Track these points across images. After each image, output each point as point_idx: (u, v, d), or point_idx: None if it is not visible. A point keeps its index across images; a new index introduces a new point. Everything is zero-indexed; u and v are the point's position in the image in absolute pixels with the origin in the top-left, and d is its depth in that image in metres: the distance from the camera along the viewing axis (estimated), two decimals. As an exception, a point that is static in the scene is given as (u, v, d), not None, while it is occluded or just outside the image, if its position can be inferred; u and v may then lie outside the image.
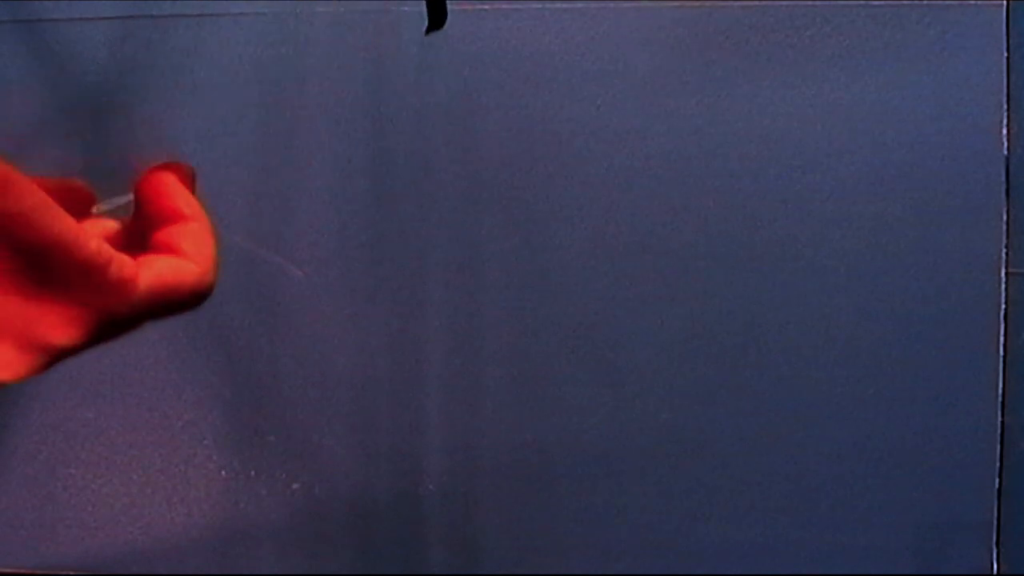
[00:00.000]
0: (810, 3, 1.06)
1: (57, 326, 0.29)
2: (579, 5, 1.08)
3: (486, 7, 1.09)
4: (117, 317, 0.30)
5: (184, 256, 0.33)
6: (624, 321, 1.07)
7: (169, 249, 0.33)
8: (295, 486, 1.12)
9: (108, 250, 0.29)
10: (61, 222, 0.28)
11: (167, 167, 0.35)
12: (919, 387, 1.04)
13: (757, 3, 1.06)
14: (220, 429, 1.13)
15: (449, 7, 1.12)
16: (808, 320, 1.05)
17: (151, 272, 0.31)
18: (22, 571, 1.15)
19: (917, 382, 1.04)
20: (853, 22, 1.05)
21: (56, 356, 0.30)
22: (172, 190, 0.34)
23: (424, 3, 0.60)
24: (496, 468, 1.09)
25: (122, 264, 0.29)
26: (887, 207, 1.04)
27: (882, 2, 1.05)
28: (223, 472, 1.13)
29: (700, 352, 1.06)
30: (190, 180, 0.35)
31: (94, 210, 0.37)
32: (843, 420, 1.05)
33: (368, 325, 1.11)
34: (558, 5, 1.08)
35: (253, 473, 1.12)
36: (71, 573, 1.14)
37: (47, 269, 0.28)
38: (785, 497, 1.06)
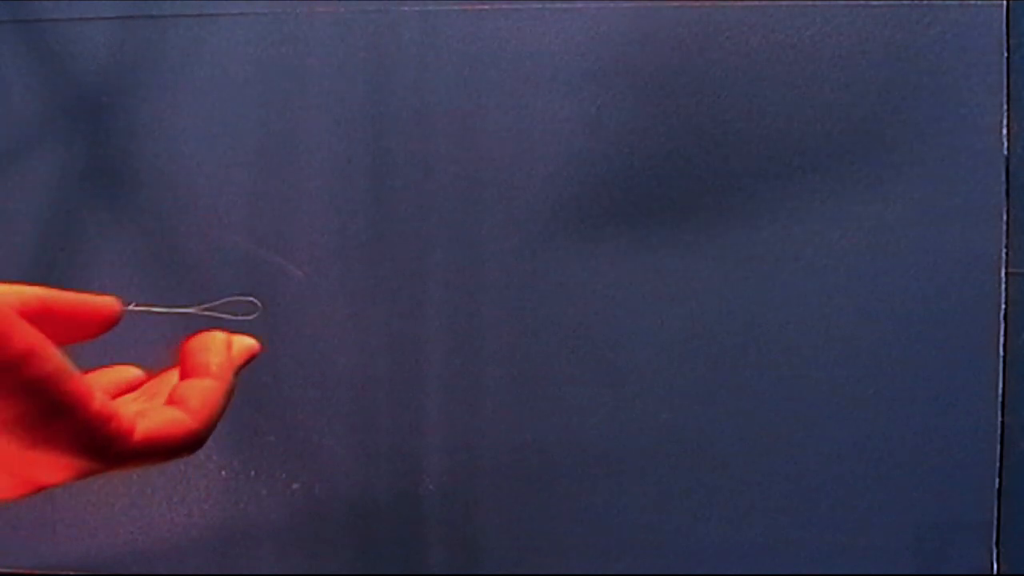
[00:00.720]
0: (810, 3, 1.06)
1: (50, 471, 0.31)
2: (579, 5, 1.08)
3: (486, 7, 1.09)
4: (107, 466, 0.32)
5: (186, 410, 0.35)
6: (624, 321, 1.07)
7: (177, 401, 0.35)
8: (295, 486, 1.12)
9: (110, 408, 0.31)
10: (77, 385, 0.30)
11: (227, 336, 0.39)
12: (919, 387, 1.04)
13: (757, 3, 1.06)
14: (220, 429, 1.13)
15: (449, 7, 1.12)
16: (808, 320, 1.05)
17: (147, 424, 0.33)
18: (22, 571, 1.15)
19: (917, 382, 1.04)
20: (853, 22, 1.05)
21: (43, 489, 0.33)
22: (214, 347, 0.38)
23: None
24: (496, 468, 1.09)
25: (120, 420, 0.32)
26: (887, 207, 1.04)
27: (882, 2, 1.05)
28: (223, 472, 1.13)
29: (700, 352, 1.07)
30: (249, 357, 0.39)
31: (130, 306, 0.39)
32: (843, 420, 1.05)
33: (368, 325, 1.11)
34: (558, 5, 1.09)
35: (253, 473, 1.13)
36: (71, 573, 1.14)
37: (54, 422, 0.30)
38: (785, 497, 1.06)
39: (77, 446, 0.31)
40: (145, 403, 0.37)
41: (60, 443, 0.30)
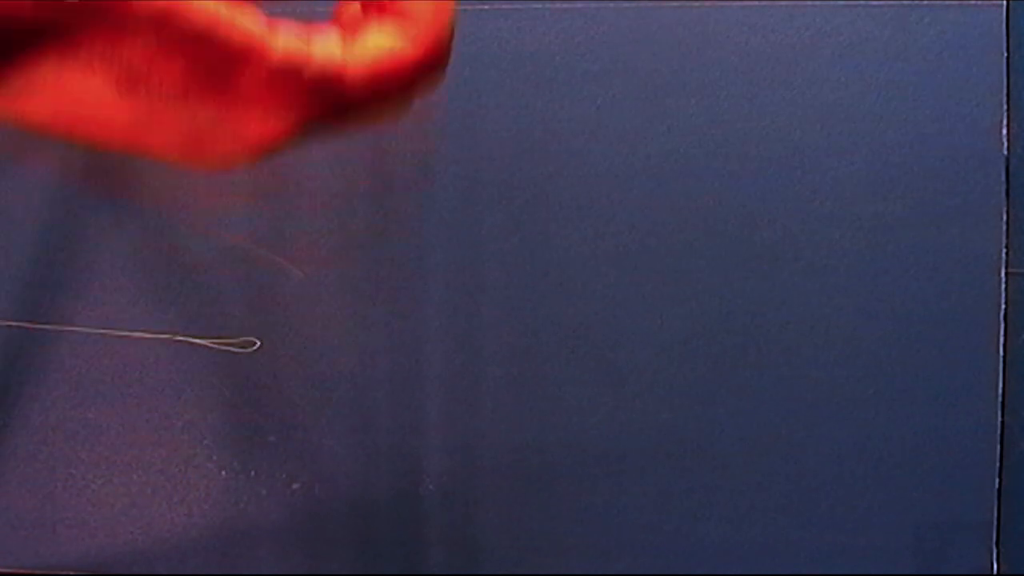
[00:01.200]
0: (810, 3, 1.06)
1: (255, 127, 0.26)
2: (579, 5, 1.08)
3: (486, 7, 1.09)
4: (326, 111, 0.27)
5: (411, 21, 0.28)
6: (624, 321, 1.07)
7: (397, 13, 0.28)
8: (295, 486, 1.12)
9: (297, 46, 0.26)
10: (242, 30, 0.25)
11: None
12: (919, 387, 1.04)
13: (757, 3, 1.06)
14: (220, 429, 1.13)
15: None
16: (808, 320, 1.05)
17: (362, 52, 0.27)
18: (22, 571, 1.15)
19: (917, 382, 1.04)
20: (853, 22, 1.05)
21: (270, 147, 0.27)
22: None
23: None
24: (496, 468, 1.09)
25: (316, 61, 0.26)
26: (887, 207, 1.04)
27: (882, 2, 1.05)
28: (223, 472, 1.13)
29: (700, 352, 1.06)
30: None
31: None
32: (843, 420, 1.05)
33: (368, 325, 1.11)
34: (558, 5, 1.08)
35: (253, 473, 1.12)
36: (71, 573, 1.14)
37: (232, 80, 0.25)
38: (785, 497, 1.06)
39: (276, 102, 0.26)
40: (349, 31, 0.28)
41: (247, 90, 0.25)
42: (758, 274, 1.06)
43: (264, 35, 0.26)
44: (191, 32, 0.25)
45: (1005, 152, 1.03)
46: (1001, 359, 1.02)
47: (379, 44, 0.27)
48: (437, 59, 0.28)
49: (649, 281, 1.07)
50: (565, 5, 1.08)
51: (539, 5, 1.09)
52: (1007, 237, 1.03)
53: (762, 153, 1.06)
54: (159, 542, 1.14)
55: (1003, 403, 1.03)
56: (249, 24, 0.26)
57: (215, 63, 0.25)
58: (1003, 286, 1.03)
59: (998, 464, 1.03)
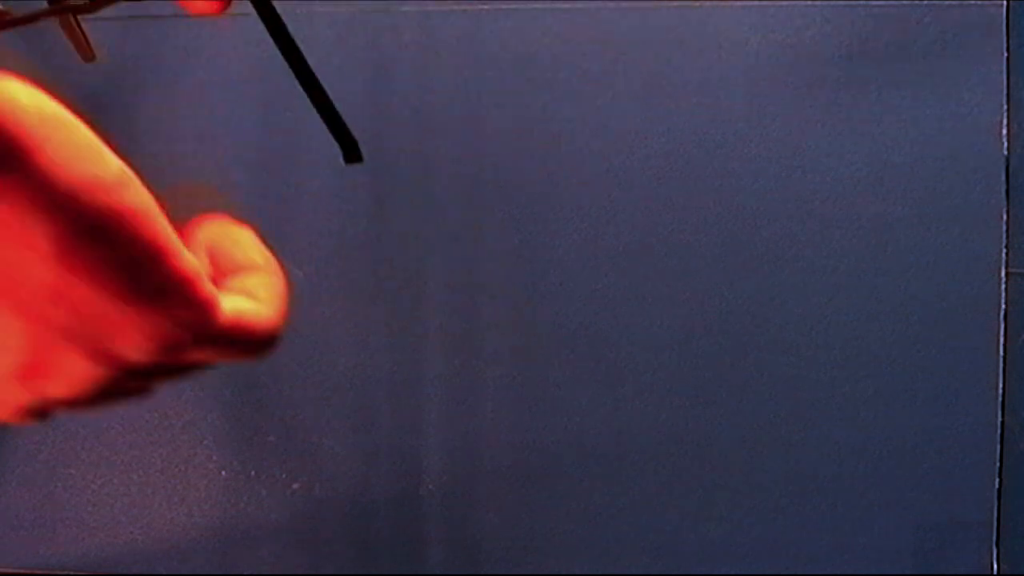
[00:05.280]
0: (810, 3, 1.06)
1: (135, 338, 0.27)
2: (579, 5, 1.08)
3: (486, 7, 1.09)
4: (195, 341, 0.29)
5: (261, 303, 0.32)
6: (624, 321, 1.07)
7: (246, 293, 0.32)
8: (295, 486, 1.12)
9: (198, 271, 0.28)
10: (166, 229, 0.27)
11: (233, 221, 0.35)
12: (919, 387, 1.04)
13: (757, 3, 1.06)
14: (220, 429, 1.13)
15: (449, 7, 1.12)
16: (808, 320, 1.05)
17: (233, 304, 0.30)
18: (22, 571, 1.15)
19: (917, 382, 1.04)
20: (853, 22, 1.05)
21: (119, 375, 0.29)
22: (248, 240, 0.34)
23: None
24: (496, 468, 1.09)
25: (206, 287, 0.28)
26: (887, 207, 1.04)
27: (882, 2, 1.05)
28: (223, 472, 1.13)
29: (700, 352, 1.06)
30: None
31: None
32: (843, 420, 1.05)
33: (368, 325, 1.11)
34: (558, 5, 1.09)
35: (253, 473, 1.12)
36: (71, 573, 1.14)
37: (143, 275, 0.27)
38: (785, 497, 1.06)
39: (167, 306, 0.27)
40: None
41: (148, 301, 0.26)
42: (758, 274, 1.06)
43: (180, 244, 0.28)
44: (135, 206, 0.26)
45: (1005, 152, 1.03)
46: (1001, 359, 1.02)
47: (244, 300, 0.31)
48: (280, 329, 0.32)
49: (649, 281, 1.07)
50: (565, 5, 1.08)
51: (539, 5, 1.09)
52: (1007, 237, 1.03)
53: (762, 153, 1.06)
54: (159, 542, 1.14)
55: (1003, 403, 1.03)
56: (171, 228, 0.28)
57: (141, 247, 0.26)
58: (1003, 286, 1.03)
59: (998, 464, 1.03)
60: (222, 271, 0.33)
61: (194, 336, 0.29)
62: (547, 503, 1.09)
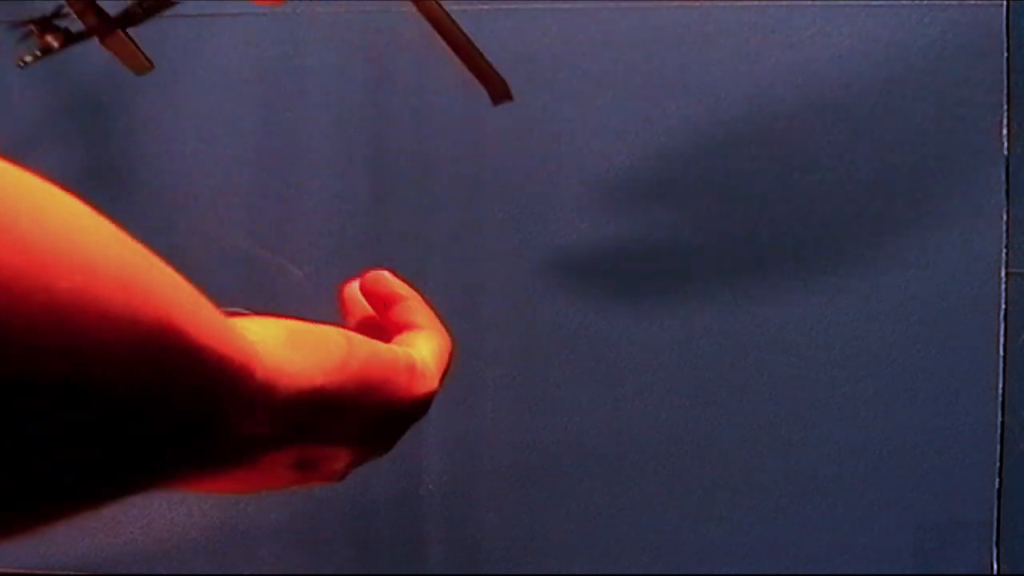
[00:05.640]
0: (810, 3, 1.06)
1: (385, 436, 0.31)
2: (579, 5, 1.08)
3: (486, 7, 1.09)
4: (425, 405, 0.32)
5: (423, 328, 0.34)
6: (624, 321, 1.07)
7: (407, 326, 0.34)
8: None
9: (417, 361, 0.30)
10: (377, 347, 0.29)
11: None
12: (919, 387, 1.04)
13: (758, 3, 1.06)
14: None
15: (449, 7, 1.12)
16: (808, 320, 1.05)
17: (423, 349, 0.32)
18: (22, 571, 1.15)
19: (917, 382, 1.04)
20: (853, 22, 1.05)
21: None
22: (385, 279, 0.38)
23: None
24: (496, 468, 1.09)
25: (424, 368, 0.31)
26: (887, 207, 1.04)
27: (882, 2, 1.05)
28: (223, 472, 1.13)
29: (700, 352, 1.06)
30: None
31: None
32: (843, 420, 1.05)
33: (368, 325, 1.11)
34: (558, 5, 1.09)
35: (253, 473, 1.12)
36: (71, 573, 1.14)
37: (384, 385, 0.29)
38: (785, 497, 1.06)
39: (402, 398, 0.30)
40: None
41: (400, 407, 0.30)
42: (758, 274, 1.06)
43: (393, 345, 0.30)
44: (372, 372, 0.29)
45: (1005, 152, 1.03)
46: (1001, 359, 1.02)
47: (418, 336, 0.34)
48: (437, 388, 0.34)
49: (649, 281, 1.07)
50: (565, 5, 1.08)
51: (539, 5, 1.09)
52: (1007, 237, 1.03)
53: (762, 153, 1.06)
54: (159, 542, 1.14)
55: (1003, 403, 1.03)
56: (381, 344, 0.30)
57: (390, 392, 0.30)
58: (1003, 286, 1.03)
59: (998, 464, 1.03)
60: (381, 310, 0.36)
61: (426, 403, 0.32)
62: (547, 503, 1.09)
